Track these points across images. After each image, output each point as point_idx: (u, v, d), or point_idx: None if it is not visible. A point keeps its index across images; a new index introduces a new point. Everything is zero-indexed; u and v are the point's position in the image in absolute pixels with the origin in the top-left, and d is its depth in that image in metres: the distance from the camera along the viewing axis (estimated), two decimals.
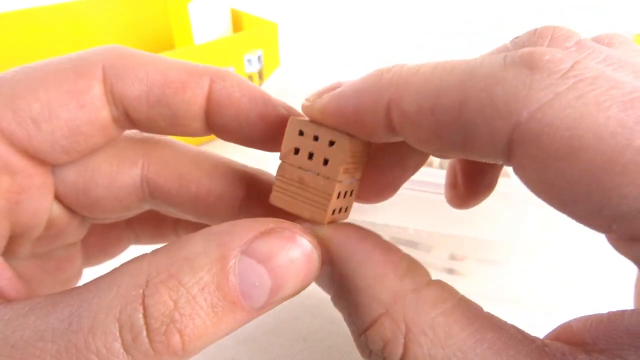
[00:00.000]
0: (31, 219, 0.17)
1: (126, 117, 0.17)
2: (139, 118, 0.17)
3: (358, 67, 0.46)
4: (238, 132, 0.18)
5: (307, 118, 0.16)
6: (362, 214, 0.31)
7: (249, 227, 0.14)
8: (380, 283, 0.14)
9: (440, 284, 0.15)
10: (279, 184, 0.16)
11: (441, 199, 0.28)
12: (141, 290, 0.12)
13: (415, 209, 0.29)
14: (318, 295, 0.33)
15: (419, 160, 0.18)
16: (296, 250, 0.14)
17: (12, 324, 0.12)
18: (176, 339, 0.12)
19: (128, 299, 0.12)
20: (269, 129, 0.17)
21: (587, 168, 0.11)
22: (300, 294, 0.33)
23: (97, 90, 0.16)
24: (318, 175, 0.16)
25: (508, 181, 0.26)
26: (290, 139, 0.16)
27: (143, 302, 0.12)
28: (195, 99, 0.17)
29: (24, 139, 0.15)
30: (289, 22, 0.72)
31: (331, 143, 0.15)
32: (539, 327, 0.32)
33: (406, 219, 0.30)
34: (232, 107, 0.17)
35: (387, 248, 0.15)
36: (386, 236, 0.32)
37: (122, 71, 0.16)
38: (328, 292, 0.16)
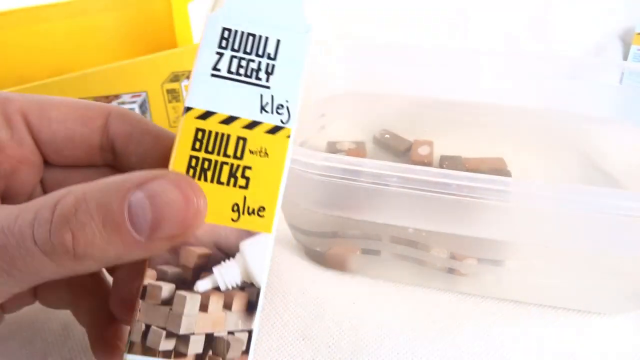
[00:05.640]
0: (20, 187, 0.21)
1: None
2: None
3: (358, 66, 0.46)
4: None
5: None
6: (362, 213, 0.31)
7: (147, 173, 0.17)
8: None
9: None
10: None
11: (441, 198, 0.28)
12: (57, 199, 0.16)
13: (415, 209, 0.29)
14: (319, 295, 0.34)
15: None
16: (175, 193, 0.16)
17: None
18: (68, 237, 0.15)
19: (47, 201, 0.16)
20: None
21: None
22: (300, 293, 0.33)
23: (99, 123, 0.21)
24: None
25: (509, 181, 0.26)
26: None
27: (55, 205, 0.16)
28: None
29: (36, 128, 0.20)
30: None
31: None
32: (539, 326, 0.32)
33: (406, 219, 0.30)
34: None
35: None
36: (386, 236, 0.32)
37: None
38: None
